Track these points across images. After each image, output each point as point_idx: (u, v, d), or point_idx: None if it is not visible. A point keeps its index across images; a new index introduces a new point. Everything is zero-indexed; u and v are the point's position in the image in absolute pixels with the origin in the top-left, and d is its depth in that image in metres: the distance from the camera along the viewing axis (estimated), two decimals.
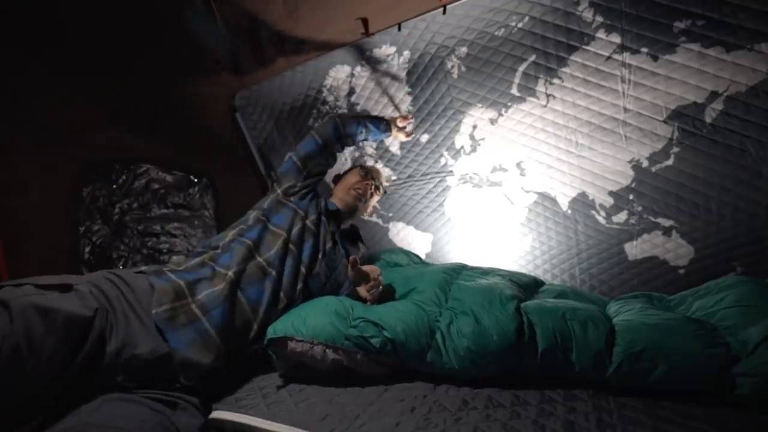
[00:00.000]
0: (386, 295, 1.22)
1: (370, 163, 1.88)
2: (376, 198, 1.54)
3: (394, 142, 1.77)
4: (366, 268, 1.16)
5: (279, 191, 1.31)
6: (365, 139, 1.56)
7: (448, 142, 1.69)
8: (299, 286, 1.18)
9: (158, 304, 0.93)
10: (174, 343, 0.91)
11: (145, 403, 0.83)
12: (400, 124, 1.58)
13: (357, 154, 1.89)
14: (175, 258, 1.13)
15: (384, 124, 1.55)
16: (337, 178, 1.57)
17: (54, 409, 0.76)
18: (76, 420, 0.74)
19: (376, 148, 1.84)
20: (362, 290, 1.17)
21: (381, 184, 1.55)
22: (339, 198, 1.44)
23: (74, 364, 0.77)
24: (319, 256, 1.25)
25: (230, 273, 1.07)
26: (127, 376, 0.85)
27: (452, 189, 1.77)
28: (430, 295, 1.14)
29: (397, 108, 1.71)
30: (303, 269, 1.20)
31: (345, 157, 1.92)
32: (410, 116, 1.62)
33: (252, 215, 1.24)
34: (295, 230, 1.23)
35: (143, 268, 1.03)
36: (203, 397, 0.95)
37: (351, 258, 1.14)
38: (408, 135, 1.63)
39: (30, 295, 0.75)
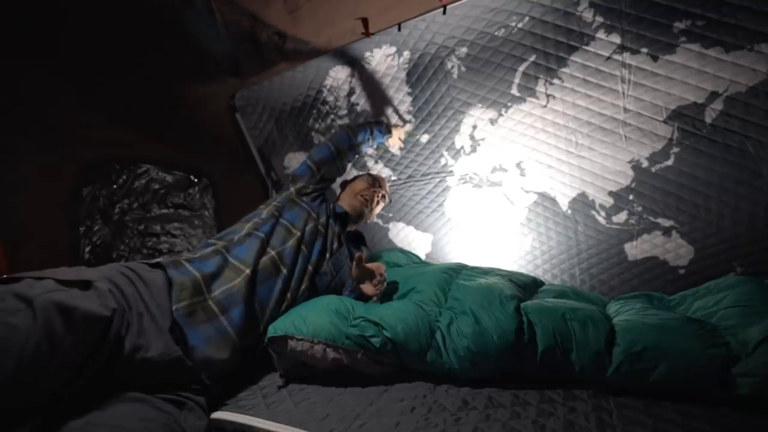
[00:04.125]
0: (389, 291, 1.23)
1: (370, 163, 1.88)
2: (381, 206, 1.58)
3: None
4: (370, 265, 1.19)
5: (292, 189, 1.35)
6: (371, 146, 1.63)
7: (448, 142, 1.69)
8: (304, 285, 1.20)
9: (177, 300, 0.94)
10: (193, 341, 0.92)
11: (152, 403, 0.83)
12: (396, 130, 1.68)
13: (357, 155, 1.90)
14: (186, 254, 1.13)
15: (384, 126, 1.63)
16: (345, 184, 1.61)
17: (66, 408, 0.76)
18: (83, 420, 0.74)
19: (377, 148, 1.84)
20: (367, 287, 1.19)
21: (387, 192, 1.60)
22: (346, 203, 1.49)
23: (91, 363, 0.77)
24: (327, 256, 1.29)
25: (248, 271, 1.08)
26: (138, 377, 0.85)
27: (452, 189, 1.77)
28: (430, 294, 1.14)
29: (396, 112, 1.72)
30: (310, 268, 1.23)
31: None
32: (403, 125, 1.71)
33: (265, 210, 1.26)
34: (308, 230, 1.26)
35: (159, 260, 1.03)
36: (211, 397, 0.95)
37: (357, 255, 1.17)
38: (399, 139, 1.71)
39: (51, 291, 0.74)
